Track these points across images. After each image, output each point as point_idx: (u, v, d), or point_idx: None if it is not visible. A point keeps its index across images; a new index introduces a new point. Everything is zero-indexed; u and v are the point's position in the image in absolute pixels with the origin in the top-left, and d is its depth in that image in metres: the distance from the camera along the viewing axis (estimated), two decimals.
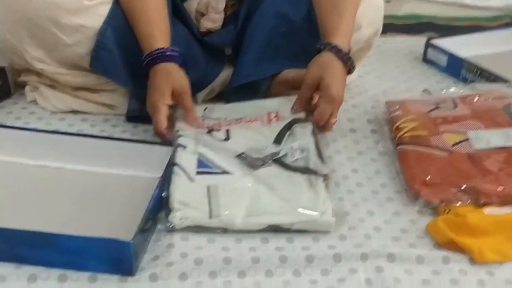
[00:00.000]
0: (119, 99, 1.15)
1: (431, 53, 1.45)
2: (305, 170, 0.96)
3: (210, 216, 0.88)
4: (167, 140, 1.01)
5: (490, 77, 1.30)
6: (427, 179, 0.97)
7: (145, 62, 1.05)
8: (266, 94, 1.20)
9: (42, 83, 1.16)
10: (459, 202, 0.94)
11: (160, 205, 0.91)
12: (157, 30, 1.07)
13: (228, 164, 0.97)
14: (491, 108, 1.12)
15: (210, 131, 1.04)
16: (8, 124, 1.09)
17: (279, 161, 0.98)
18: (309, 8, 1.17)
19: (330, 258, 0.85)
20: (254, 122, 1.08)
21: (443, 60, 1.42)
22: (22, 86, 1.20)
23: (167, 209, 0.89)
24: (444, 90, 1.22)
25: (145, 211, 0.84)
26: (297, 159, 0.98)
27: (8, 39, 1.11)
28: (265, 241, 0.88)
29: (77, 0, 1.06)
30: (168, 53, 1.05)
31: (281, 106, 1.11)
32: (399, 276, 0.84)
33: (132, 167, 0.99)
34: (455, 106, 1.13)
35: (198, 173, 0.95)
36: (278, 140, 1.02)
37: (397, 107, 1.14)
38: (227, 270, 0.83)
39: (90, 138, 1.01)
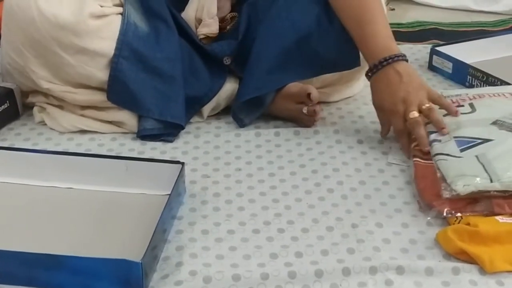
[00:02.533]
0: (126, 115, 1.16)
1: (437, 60, 1.45)
2: None
3: (491, 181, 0.93)
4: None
5: (497, 82, 1.30)
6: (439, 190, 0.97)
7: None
8: (270, 109, 1.21)
9: (50, 104, 1.18)
10: (472, 213, 0.94)
11: (169, 223, 0.92)
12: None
13: (485, 133, 1.02)
14: None
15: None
16: (17, 145, 1.11)
17: None
18: (317, 13, 1.17)
19: (339, 272, 0.85)
20: (496, 97, 1.12)
21: (448, 67, 1.42)
22: (30, 107, 1.21)
23: None
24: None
25: (154, 229, 0.85)
26: None
27: (15, 60, 1.13)
28: (274, 257, 0.88)
29: (81, 21, 1.07)
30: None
31: None
32: None
33: (141, 185, 0.99)
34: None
35: (461, 150, 1.00)
36: None
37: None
38: (236, 287, 0.83)
39: (99, 158, 1.02)
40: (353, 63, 1.19)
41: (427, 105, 1.07)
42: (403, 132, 1.08)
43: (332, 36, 1.16)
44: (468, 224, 0.92)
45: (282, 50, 1.17)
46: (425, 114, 1.06)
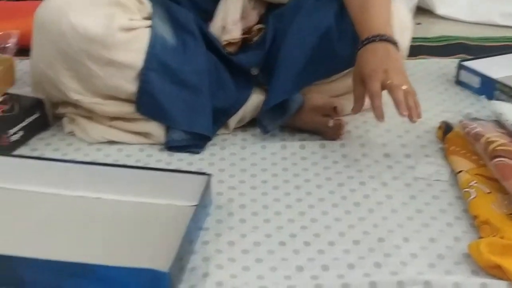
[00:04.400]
0: (154, 126, 1.17)
1: (464, 75, 1.44)
2: None
3: None
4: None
5: None
6: None
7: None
8: (296, 121, 1.21)
9: (79, 115, 1.19)
10: None
11: (195, 234, 0.92)
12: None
13: None
14: None
15: None
16: (47, 155, 1.12)
17: None
18: (335, 11, 1.18)
19: (366, 286, 0.85)
20: None
21: (476, 81, 1.42)
22: (59, 118, 1.23)
23: None
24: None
25: (181, 240, 0.86)
26: None
27: (45, 72, 1.15)
28: (300, 269, 0.88)
29: (111, 34, 1.09)
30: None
31: None
32: None
33: (168, 196, 1.00)
34: None
35: None
36: None
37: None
38: None
39: (127, 168, 1.03)
40: None
41: (406, 87, 1.05)
42: (378, 95, 1.05)
43: (348, 32, 1.16)
44: (503, 238, 0.91)
45: (306, 53, 1.17)
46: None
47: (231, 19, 1.21)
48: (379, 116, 1.05)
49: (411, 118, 1.04)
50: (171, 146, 1.15)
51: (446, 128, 1.20)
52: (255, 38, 1.24)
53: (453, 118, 1.26)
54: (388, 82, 1.04)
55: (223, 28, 1.23)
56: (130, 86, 1.13)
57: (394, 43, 1.09)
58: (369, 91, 1.05)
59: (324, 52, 1.18)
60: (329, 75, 1.22)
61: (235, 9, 1.21)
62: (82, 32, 1.08)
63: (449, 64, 1.55)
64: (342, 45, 1.17)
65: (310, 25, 1.18)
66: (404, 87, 1.04)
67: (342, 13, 1.18)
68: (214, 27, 1.23)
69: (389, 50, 1.07)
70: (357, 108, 1.10)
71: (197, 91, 1.15)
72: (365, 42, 1.09)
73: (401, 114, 1.03)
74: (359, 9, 1.13)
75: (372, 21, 1.10)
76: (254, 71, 1.22)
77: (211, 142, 1.18)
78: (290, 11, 1.22)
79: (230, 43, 1.22)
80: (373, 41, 1.08)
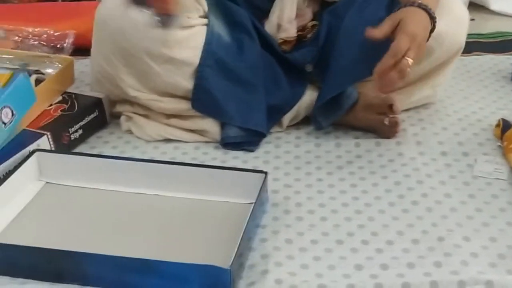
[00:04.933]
0: (210, 123, 1.18)
1: None
2: None
3: None
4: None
5: None
6: None
7: None
8: (350, 119, 1.20)
9: (136, 113, 1.21)
10: None
11: (253, 232, 0.93)
12: None
13: None
14: None
15: None
16: (106, 153, 1.14)
17: None
18: (387, 5, 1.16)
19: (427, 286, 0.84)
20: None
21: None
22: (117, 116, 1.25)
23: None
24: None
25: (241, 236, 0.86)
26: None
27: (105, 69, 1.17)
28: (358, 268, 0.88)
29: (171, 32, 1.10)
30: None
31: None
32: None
33: (224, 194, 1.01)
34: None
35: None
36: None
37: None
38: None
39: (184, 166, 1.04)
40: None
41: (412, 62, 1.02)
42: (400, 52, 1.01)
43: None
44: None
45: (358, 48, 1.16)
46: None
47: (287, 17, 1.22)
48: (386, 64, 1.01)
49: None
50: (226, 143, 1.16)
51: (504, 126, 1.18)
52: (309, 35, 1.24)
53: (510, 115, 1.24)
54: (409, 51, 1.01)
55: (279, 26, 1.23)
56: (186, 83, 1.15)
57: (432, 17, 1.06)
58: (397, 44, 1.01)
59: (376, 46, 1.16)
60: None
61: (291, 8, 1.22)
62: (142, 29, 1.09)
63: (504, 60, 1.52)
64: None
65: (362, 20, 1.17)
66: (410, 61, 1.01)
67: (394, 5, 1.16)
68: (269, 25, 1.23)
69: (425, 20, 1.05)
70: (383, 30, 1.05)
71: (252, 88, 1.16)
72: (404, 5, 1.06)
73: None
74: None
75: None
76: (309, 68, 1.22)
77: (265, 140, 1.19)
78: (343, 7, 1.21)
79: (285, 41, 1.23)
80: (414, 5, 1.05)
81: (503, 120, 1.20)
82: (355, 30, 1.17)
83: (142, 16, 1.06)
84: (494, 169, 1.09)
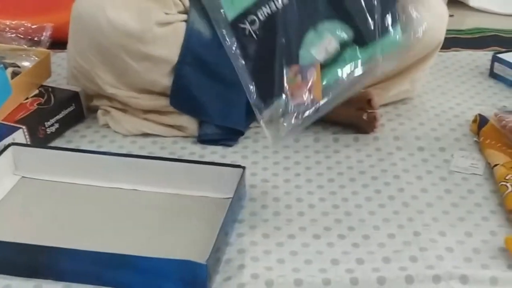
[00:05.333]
0: (188, 119, 1.18)
1: (498, 68, 1.43)
2: None
3: None
4: None
5: None
6: None
7: None
8: (329, 115, 1.19)
9: (114, 107, 1.20)
10: None
11: (231, 227, 0.93)
12: None
13: None
14: None
15: None
16: (83, 147, 1.14)
17: None
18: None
19: (402, 280, 0.85)
20: None
21: (510, 74, 1.40)
22: (94, 110, 1.24)
23: None
24: None
25: (218, 231, 0.86)
26: None
27: (81, 65, 1.16)
28: (335, 263, 0.88)
29: (148, 29, 1.09)
30: None
31: None
32: None
33: (202, 188, 1.01)
34: None
35: None
36: None
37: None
38: None
39: (163, 160, 1.04)
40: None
41: None
42: None
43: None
44: None
45: None
46: None
47: None
48: None
49: None
50: (204, 140, 1.16)
51: (480, 121, 1.19)
52: None
53: (487, 111, 1.25)
54: None
55: None
56: (165, 80, 1.14)
57: None
58: None
59: None
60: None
61: None
62: (119, 27, 1.09)
63: (482, 56, 1.53)
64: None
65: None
66: None
67: None
68: None
69: None
70: None
71: (231, 85, 1.15)
72: None
73: None
74: None
75: None
76: None
77: (244, 135, 1.19)
78: None
79: None
80: None
81: (480, 115, 1.21)
82: None
83: (118, 14, 1.06)
84: (471, 165, 1.10)
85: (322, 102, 0.96)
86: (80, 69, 1.17)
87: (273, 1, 0.96)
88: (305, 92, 0.95)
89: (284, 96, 0.95)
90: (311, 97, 0.95)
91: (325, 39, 0.97)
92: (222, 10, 0.95)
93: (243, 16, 0.96)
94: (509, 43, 1.61)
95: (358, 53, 0.98)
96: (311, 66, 0.96)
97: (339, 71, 0.98)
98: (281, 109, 0.96)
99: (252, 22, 0.97)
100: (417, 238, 0.93)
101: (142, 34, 1.09)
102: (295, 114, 0.95)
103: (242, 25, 0.96)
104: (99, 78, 1.15)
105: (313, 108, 0.96)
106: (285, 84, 0.96)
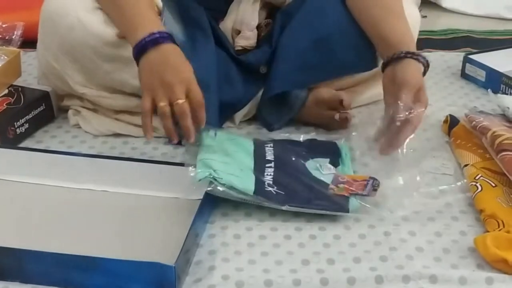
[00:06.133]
0: (158, 120, 1.16)
1: (470, 68, 1.44)
2: None
3: None
4: (147, 128, 0.97)
5: None
6: None
7: (153, 38, 0.96)
8: (301, 115, 1.21)
9: (85, 107, 1.19)
10: None
11: (201, 228, 0.92)
12: (151, 18, 1.01)
13: None
14: None
15: None
16: (52, 148, 1.12)
17: None
18: (337, 19, 1.17)
19: (372, 280, 0.85)
20: None
21: (482, 75, 1.41)
22: (65, 110, 1.22)
23: None
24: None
25: (187, 233, 0.86)
26: None
27: (52, 64, 1.15)
28: (305, 263, 0.88)
29: (117, 32, 1.08)
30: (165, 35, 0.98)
31: None
32: None
33: (173, 189, 1.00)
34: None
35: None
36: None
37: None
38: None
39: (133, 161, 1.03)
40: (370, 65, 1.20)
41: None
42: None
43: (350, 39, 1.17)
44: (509, 232, 0.91)
45: (302, 54, 1.17)
46: None
47: (248, 24, 1.19)
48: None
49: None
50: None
51: (451, 122, 1.20)
52: (263, 33, 1.23)
53: (458, 111, 1.26)
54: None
55: (237, 32, 1.21)
56: (136, 81, 1.12)
57: (421, 61, 1.08)
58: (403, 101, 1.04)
59: (321, 56, 1.17)
60: (329, 78, 1.21)
61: (253, 16, 1.20)
62: (89, 28, 1.08)
63: (454, 57, 1.54)
64: (343, 50, 1.17)
65: (306, 25, 1.18)
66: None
67: (346, 16, 1.17)
68: (224, 27, 1.22)
69: (420, 68, 1.07)
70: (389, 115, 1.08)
71: (205, 87, 1.13)
72: (395, 57, 1.07)
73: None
74: (378, 20, 1.12)
75: (396, 35, 1.09)
76: (263, 70, 1.21)
77: None
78: (294, 9, 1.21)
79: (244, 49, 1.21)
80: (405, 57, 1.06)
81: (451, 116, 1.22)
82: (297, 38, 1.17)
83: (89, 15, 1.05)
84: (442, 165, 1.11)
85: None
86: (51, 69, 1.16)
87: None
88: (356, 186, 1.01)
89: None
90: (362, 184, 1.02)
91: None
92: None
93: None
94: (481, 44, 1.63)
95: None
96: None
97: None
98: None
99: None
100: (387, 238, 0.93)
101: (111, 36, 1.08)
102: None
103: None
104: (69, 77, 1.14)
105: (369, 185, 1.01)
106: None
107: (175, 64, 0.97)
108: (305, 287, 0.84)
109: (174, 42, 0.99)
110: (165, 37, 0.98)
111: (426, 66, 1.09)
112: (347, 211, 0.97)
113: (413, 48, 1.09)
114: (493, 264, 0.88)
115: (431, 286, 0.85)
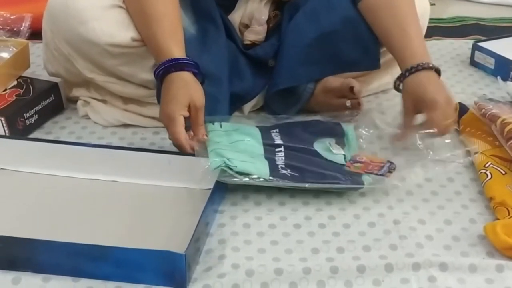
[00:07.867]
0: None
1: (479, 56, 1.43)
2: None
3: None
4: (186, 151, 1.00)
5: None
6: None
7: (159, 71, 1.02)
8: (311, 104, 1.21)
9: (93, 98, 1.19)
10: None
11: (211, 217, 0.92)
12: (172, 40, 1.04)
13: None
14: None
15: None
16: (62, 139, 1.13)
17: None
18: (345, 14, 1.17)
19: (382, 268, 0.85)
20: None
21: (491, 62, 1.40)
22: (74, 101, 1.23)
23: None
24: None
25: (198, 222, 0.86)
26: None
27: (59, 48, 1.14)
28: (315, 252, 0.89)
29: (127, 40, 1.08)
30: (182, 61, 1.02)
31: None
32: (452, 285, 0.84)
33: (183, 179, 1.00)
34: None
35: None
36: None
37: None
38: (278, 281, 0.83)
39: (143, 151, 1.03)
40: (374, 64, 1.20)
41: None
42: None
43: (356, 35, 1.17)
44: None
45: (308, 48, 1.17)
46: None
47: (258, 19, 1.19)
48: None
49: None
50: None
51: (461, 110, 1.20)
52: (271, 25, 1.23)
53: (468, 99, 1.26)
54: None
55: (246, 26, 1.21)
56: (145, 74, 1.12)
57: (438, 71, 1.09)
58: (431, 118, 1.05)
59: (326, 51, 1.17)
60: (333, 74, 1.21)
61: (264, 11, 1.19)
62: (100, 27, 1.07)
63: (463, 45, 1.54)
64: (348, 47, 1.17)
65: (312, 22, 1.17)
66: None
67: (353, 14, 1.17)
68: (233, 20, 1.21)
69: (440, 80, 1.09)
70: (402, 136, 1.10)
71: (216, 80, 1.13)
72: (413, 70, 1.07)
73: None
74: (395, 31, 1.12)
75: (413, 47, 1.10)
76: (271, 63, 1.20)
77: None
78: (302, 1, 1.20)
79: (253, 43, 1.21)
80: (424, 69, 1.07)
81: (460, 104, 1.21)
82: (301, 33, 1.17)
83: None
84: (451, 152, 1.10)
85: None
86: (60, 51, 1.15)
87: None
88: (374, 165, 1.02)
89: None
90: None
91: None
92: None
93: None
94: (490, 32, 1.62)
95: None
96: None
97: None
98: None
99: None
100: (397, 226, 0.93)
101: (123, 41, 1.08)
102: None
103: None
104: (77, 63, 1.13)
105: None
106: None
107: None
108: (315, 276, 0.84)
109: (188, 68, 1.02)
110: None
111: (439, 74, 1.10)
112: (362, 184, 0.97)
113: (427, 59, 1.09)
114: (503, 251, 0.88)
115: (441, 274, 0.85)
